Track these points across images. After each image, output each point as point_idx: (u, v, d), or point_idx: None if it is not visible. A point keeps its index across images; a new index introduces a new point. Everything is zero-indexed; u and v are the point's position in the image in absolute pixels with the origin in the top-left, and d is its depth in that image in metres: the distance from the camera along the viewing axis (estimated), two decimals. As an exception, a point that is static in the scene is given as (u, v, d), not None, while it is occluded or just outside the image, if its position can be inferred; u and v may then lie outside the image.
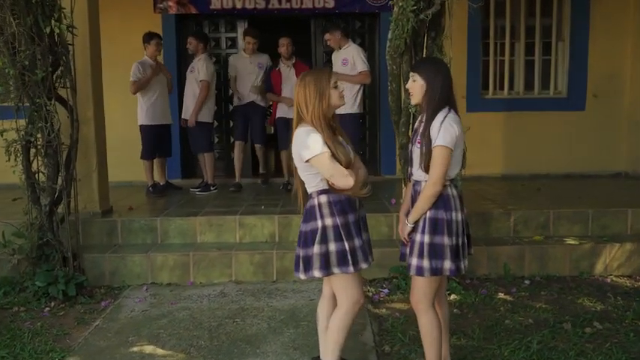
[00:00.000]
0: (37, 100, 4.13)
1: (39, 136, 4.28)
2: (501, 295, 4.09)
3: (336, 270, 2.58)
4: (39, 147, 4.31)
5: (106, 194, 5.09)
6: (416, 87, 2.68)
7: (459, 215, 2.64)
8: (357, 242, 2.64)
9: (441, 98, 2.61)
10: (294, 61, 6.21)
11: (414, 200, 2.73)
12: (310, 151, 2.52)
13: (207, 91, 6.08)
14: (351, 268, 2.60)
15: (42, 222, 4.32)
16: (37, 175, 4.37)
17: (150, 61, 6.08)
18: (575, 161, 7.12)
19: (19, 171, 4.25)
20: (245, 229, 4.82)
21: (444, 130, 2.54)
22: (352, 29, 7.25)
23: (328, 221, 2.57)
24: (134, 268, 4.52)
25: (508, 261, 4.52)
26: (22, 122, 4.28)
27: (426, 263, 2.61)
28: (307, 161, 2.54)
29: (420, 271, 2.63)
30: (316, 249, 2.56)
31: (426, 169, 2.60)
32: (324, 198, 2.60)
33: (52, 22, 4.01)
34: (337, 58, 5.63)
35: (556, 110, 7.19)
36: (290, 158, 2.74)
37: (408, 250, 2.75)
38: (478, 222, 4.82)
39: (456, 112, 2.67)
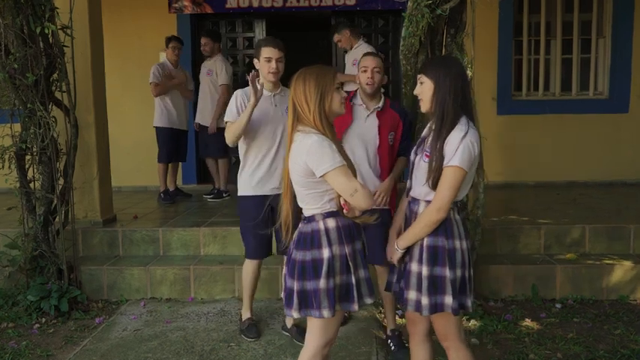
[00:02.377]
0: (29, 105, 3.92)
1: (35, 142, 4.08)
2: (527, 322, 3.66)
3: (338, 307, 2.20)
4: (34, 154, 4.11)
5: (108, 202, 4.86)
6: (424, 91, 2.28)
7: (464, 243, 2.25)
8: (362, 274, 2.26)
9: (454, 105, 2.19)
10: (381, 104, 3.28)
11: (407, 220, 2.35)
12: (328, 164, 2.09)
13: (229, 95, 5.79)
14: (355, 306, 2.22)
15: (36, 232, 4.12)
16: (33, 183, 4.17)
17: (169, 64, 5.85)
18: (617, 168, 6.55)
19: (12, 179, 4.06)
20: (251, 242, 4.51)
21: (464, 148, 2.14)
22: (375, 28, 6.90)
23: (336, 250, 2.18)
24: (132, 281, 4.28)
25: (537, 282, 4.07)
26: (18, 127, 4.10)
27: (424, 299, 2.21)
28: (322, 176, 2.11)
29: (418, 308, 2.24)
30: (322, 283, 2.15)
31: (434, 188, 2.20)
32: (332, 222, 2.19)
33: (45, 22, 3.80)
34: (348, 59, 5.25)
35: (596, 112, 6.63)
36: None
37: (395, 278, 2.39)
38: (503, 237, 4.40)
39: (474, 122, 2.25)
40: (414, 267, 2.26)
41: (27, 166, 4.15)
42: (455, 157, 2.14)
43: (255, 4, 6.62)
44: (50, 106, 4.11)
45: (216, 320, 3.84)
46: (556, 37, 6.71)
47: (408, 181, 2.40)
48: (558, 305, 3.93)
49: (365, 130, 3.25)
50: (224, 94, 5.72)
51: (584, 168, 6.56)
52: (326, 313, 2.15)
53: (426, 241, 2.23)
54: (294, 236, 2.29)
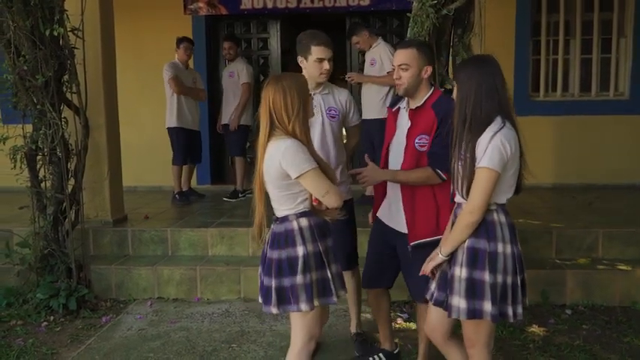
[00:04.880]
0: (39, 106, 3.99)
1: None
2: (534, 328, 3.58)
3: (317, 302, 2.30)
4: (45, 154, 4.18)
5: (119, 203, 4.91)
6: (455, 93, 2.26)
7: (509, 248, 2.15)
8: (335, 269, 2.39)
9: (474, 106, 2.12)
10: (422, 102, 2.69)
11: (453, 225, 2.29)
12: (301, 166, 2.23)
13: (250, 93, 5.89)
14: (334, 299, 2.34)
15: (47, 231, 4.19)
16: (44, 183, 4.24)
17: (180, 64, 5.89)
18: (637, 171, 6.37)
19: (22, 178, 4.13)
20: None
21: (493, 148, 2.07)
22: (389, 28, 6.84)
23: (310, 247, 2.29)
24: (140, 281, 4.31)
25: (547, 287, 3.99)
26: (30, 128, 4.19)
27: (462, 303, 2.15)
28: (297, 178, 2.23)
29: (456, 312, 2.18)
30: (299, 279, 2.26)
31: (467, 193, 2.16)
32: (304, 221, 2.31)
33: (54, 25, 3.86)
34: (367, 59, 5.27)
35: (616, 114, 6.45)
36: None
37: (435, 285, 2.33)
38: (514, 241, 4.30)
39: (513, 122, 2.16)
40: (456, 271, 2.20)
41: (38, 166, 4.22)
42: (484, 159, 2.09)
43: (270, 5, 6.62)
44: (61, 107, 4.19)
45: (219, 321, 3.85)
46: (575, 37, 6.55)
47: (451, 186, 2.33)
48: (568, 311, 3.84)
49: (402, 134, 2.69)
50: (245, 93, 5.84)
51: (603, 170, 6.40)
52: (304, 306, 2.26)
53: (466, 243, 2.17)
54: (267, 237, 2.39)
